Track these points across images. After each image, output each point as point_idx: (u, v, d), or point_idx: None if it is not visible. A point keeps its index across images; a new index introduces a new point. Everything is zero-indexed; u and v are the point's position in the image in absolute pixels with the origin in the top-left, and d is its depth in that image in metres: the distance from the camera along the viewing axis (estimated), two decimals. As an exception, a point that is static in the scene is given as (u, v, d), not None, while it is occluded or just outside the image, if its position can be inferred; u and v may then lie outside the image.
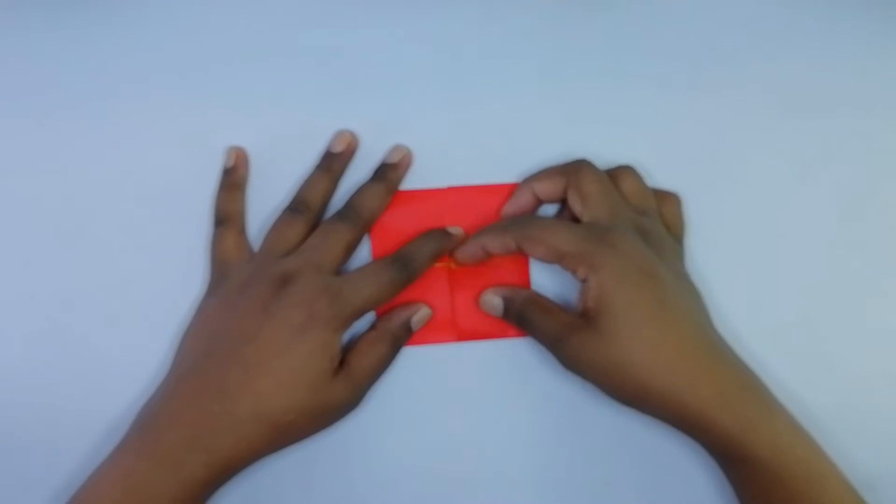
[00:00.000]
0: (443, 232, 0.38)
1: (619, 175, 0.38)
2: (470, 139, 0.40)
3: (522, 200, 0.38)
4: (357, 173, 0.40)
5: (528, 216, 0.38)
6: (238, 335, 0.34)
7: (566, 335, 0.34)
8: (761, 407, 0.33)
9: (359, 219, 0.37)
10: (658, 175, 0.40)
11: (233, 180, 0.39)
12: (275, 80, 0.40)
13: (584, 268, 0.33)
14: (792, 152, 0.41)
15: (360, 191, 0.38)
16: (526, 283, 0.39)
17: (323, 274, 0.35)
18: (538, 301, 0.37)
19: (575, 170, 0.37)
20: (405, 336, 0.38)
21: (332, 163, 0.39)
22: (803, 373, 0.39)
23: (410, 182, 0.40)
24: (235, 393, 0.33)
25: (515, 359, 0.39)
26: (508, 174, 0.40)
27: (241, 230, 0.39)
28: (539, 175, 0.38)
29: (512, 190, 0.40)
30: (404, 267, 0.36)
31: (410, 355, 0.39)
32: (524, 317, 0.37)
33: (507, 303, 0.38)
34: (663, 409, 0.33)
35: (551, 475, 0.39)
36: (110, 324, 0.39)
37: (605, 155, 0.40)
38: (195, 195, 0.40)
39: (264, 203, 0.40)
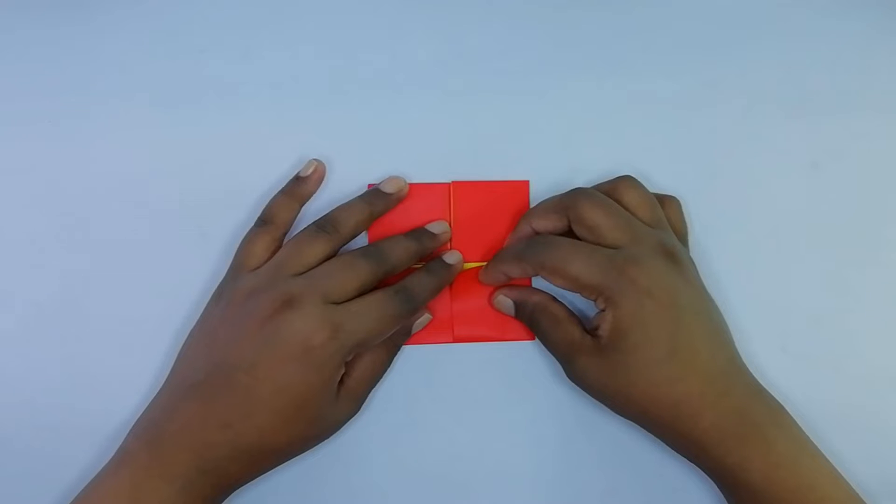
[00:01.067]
0: (444, 264, 0.37)
1: (619, 188, 0.36)
2: (470, 136, 0.40)
3: (523, 235, 0.38)
4: (360, 174, 0.39)
5: (548, 238, 0.36)
6: (236, 359, 0.33)
7: (574, 354, 0.35)
8: (761, 437, 0.33)
9: (385, 263, 0.35)
10: (661, 175, 0.40)
11: (298, 190, 0.38)
12: (274, 79, 0.40)
13: (603, 300, 0.34)
14: (797, 152, 0.40)
15: (392, 240, 0.37)
16: (527, 281, 0.39)
17: (327, 304, 0.33)
18: (549, 309, 0.37)
19: (572, 203, 0.35)
20: (404, 340, 0.38)
21: (374, 198, 0.38)
22: (810, 373, 0.39)
23: (411, 176, 0.40)
24: (238, 425, 0.32)
25: (516, 361, 0.39)
26: (508, 171, 0.40)
27: (277, 239, 0.37)
28: (536, 212, 0.37)
29: (511, 187, 0.40)
30: (407, 301, 0.35)
31: (411, 358, 0.39)
32: (534, 323, 0.37)
33: (519, 306, 0.38)
34: (662, 433, 0.35)
35: (551, 478, 0.39)
36: (111, 325, 0.39)
37: (606, 154, 0.40)
38: (197, 195, 0.39)
39: (244, 192, 0.39)
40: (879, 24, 0.41)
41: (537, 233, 0.37)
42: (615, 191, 0.36)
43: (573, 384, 0.36)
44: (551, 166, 0.40)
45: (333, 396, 0.34)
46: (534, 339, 0.39)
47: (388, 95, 0.40)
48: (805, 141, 0.40)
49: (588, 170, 0.40)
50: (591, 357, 0.34)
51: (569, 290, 0.35)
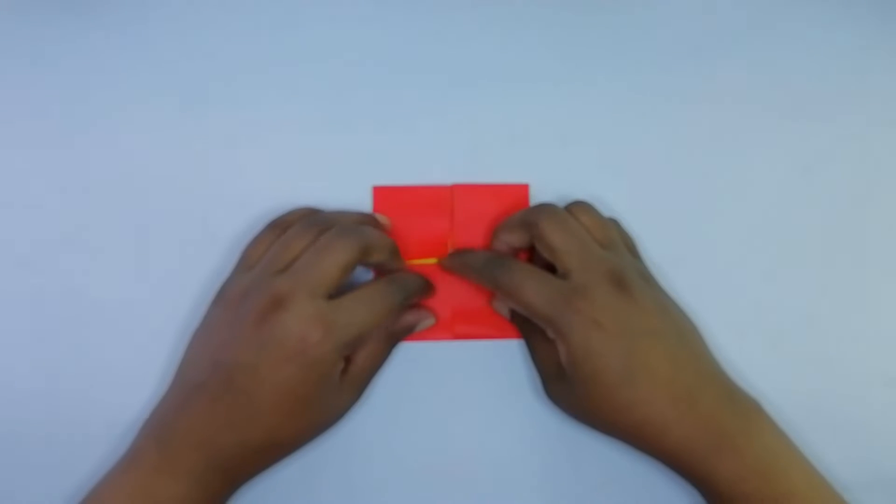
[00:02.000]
0: (427, 280, 0.39)
1: (575, 211, 0.37)
2: (471, 139, 0.40)
3: (499, 248, 0.38)
4: (362, 177, 0.40)
5: (505, 261, 0.36)
6: (234, 362, 0.33)
7: (548, 377, 0.36)
8: (730, 448, 0.33)
9: (361, 238, 0.34)
10: (657, 177, 0.40)
11: (358, 223, 0.37)
12: (274, 79, 0.40)
13: (553, 331, 0.34)
14: (791, 154, 0.41)
15: (366, 215, 0.38)
16: None
17: (315, 299, 0.33)
18: (536, 327, 0.36)
19: (535, 220, 0.35)
20: (406, 335, 0.39)
21: (366, 214, 0.39)
22: (803, 375, 0.39)
23: (410, 178, 0.40)
24: (245, 425, 0.33)
25: (515, 358, 0.39)
26: (509, 174, 0.40)
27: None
28: (504, 226, 0.37)
29: (511, 190, 0.40)
30: (399, 290, 0.36)
31: (410, 354, 0.39)
32: (524, 336, 0.39)
33: (513, 314, 0.39)
34: (635, 446, 0.35)
35: (549, 474, 0.39)
36: (117, 323, 0.39)
37: (604, 158, 0.40)
38: (198, 196, 0.39)
39: (248, 192, 0.39)
40: (871, 30, 0.42)
41: (509, 245, 0.37)
42: (572, 213, 0.37)
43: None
44: (551, 170, 0.40)
45: (335, 389, 0.34)
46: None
47: (390, 99, 0.40)
48: (796, 145, 0.41)
49: (587, 173, 0.40)
50: (558, 382, 0.35)
51: (522, 313, 0.35)
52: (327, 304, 0.33)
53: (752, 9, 0.42)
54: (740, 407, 0.34)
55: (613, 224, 0.39)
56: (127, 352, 0.38)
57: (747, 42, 0.41)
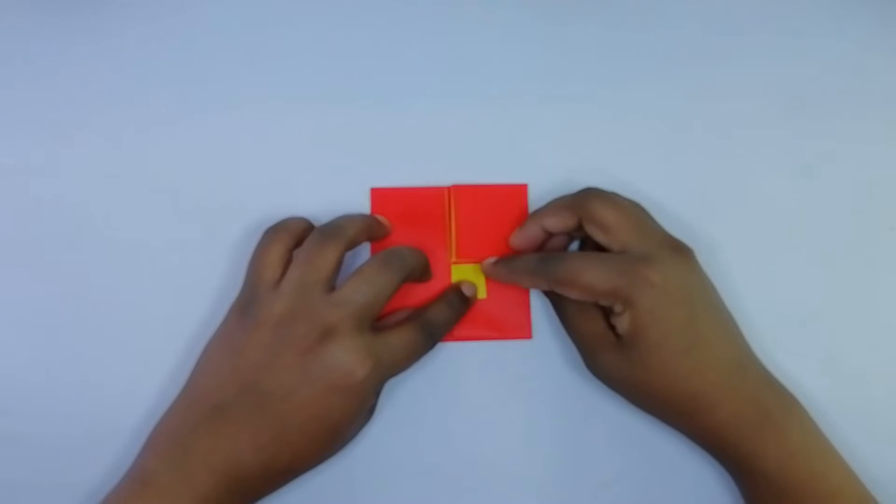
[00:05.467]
0: (462, 297, 0.39)
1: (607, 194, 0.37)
2: (469, 140, 0.40)
3: (531, 233, 0.38)
4: (361, 178, 0.40)
5: (556, 255, 0.36)
6: (272, 387, 0.33)
7: (597, 348, 0.36)
8: (776, 426, 0.34)
9: (405, 268, 0.35)
10: (657, 177, 0.40)
11: (363, 225, 0.37)
12: (274, 79, 0.40)
13: (620, 303, 0.34)
14: (791, 155, 0.41)
15: (369, 217, 0.39)
16: (525, 294, 0.40)
17: (363, 333, 0.33)
18: (577, 304, 0.36)
19: (584, 201, 0.36)
20: None
21: (371, 216, 0.39)
22: (806, 372, 0.39)
23: (410, 180, 0.40)
24: (271, 449, 0.33)
25: (516, 359, 0.39)
26: (507, 175, 0.40)
27: (290, 248, 0.36)
28: (547, 210, 0.38)
29: (510, 190, 0.40)
30: (432, 336, 0.36)
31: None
32: (560, 305, 0.38)
33: (549, 293, 0.39)
34: (680, 424, 0.36)
35: (549, 474, 0.39)
36: (120, 329, 0.39)
37: (603, 157, 0.40)
38: (196, 196, 0.40)
39: (250, 195, 0.39)
40: (873, 28, 0.41)
41: (547, 231, 0.37)
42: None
43: (571, 378, 0.37)
44: (549, 170, 0.40)
45: (365, 418, 0.36)
46: (532, 338, 0.39)
47: (388, 100, 0.41)
48: (799, 144, 0.41)
49: (585, 172, 0.40)
50: (611, 353, 0.35)
51: (586, 300, 0.35)
52: (374, 339, 0.34)
53: (753, 9, 0.42)
54: (781, 389, 0.35)
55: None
56: (127, 353, 0.39)
57: (748, 41, 0.41)
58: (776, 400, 0.35)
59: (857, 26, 0.41)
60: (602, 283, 0.34)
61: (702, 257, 0.39)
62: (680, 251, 0.35)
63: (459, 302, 0.38)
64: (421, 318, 0.36)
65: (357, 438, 0.38)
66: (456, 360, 0.39)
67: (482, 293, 0.40)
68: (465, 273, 0.40)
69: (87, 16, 0.41)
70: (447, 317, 0.38)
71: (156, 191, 0.40)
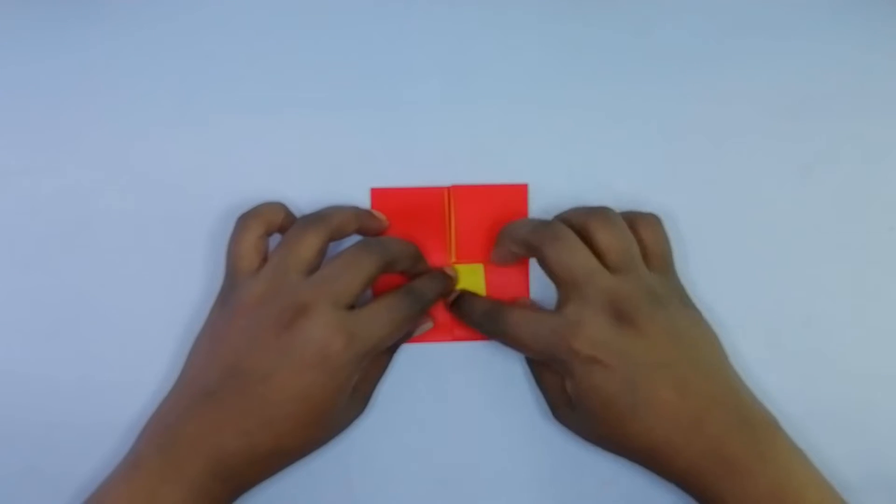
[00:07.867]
0: (444, 274, 0.39)
1: (591, 225, 0.35)
2: (469, 140, 0.40)
3: (502, 254, 0.38)
4: (360, 178, 0.40)
5: (501, 308, 0.36)
6: (251, 369, 0.33)
7: (556, 404, 0.37)
8: (740, 472, 0.32)
9: (386, 253, 0.35)
10: (656, 178, 0.40)
11: (354, 216, 0.37)
12: (274, 79, 0.40)
13: (559, 367, 0.35)
14: (792, 154, 0.41)
15: (362, 210, 0.38)
16: (525, 292, 0.40)
17: (338, 309, 0.33)
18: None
19: (539, 244, 0.34)
20: (405, 341, 0.39)
21: (360, 209, 0.38)
22: (803, 374, 0.39)
23: (410, 180, 0.40)
24: (255, 432, 0.33)
25: (515, 360, 0.39)
26: (507, 175, 0.40)
27: (263, 237, 0.36)
28: (509, 236, 0.37)
29: (509, 190, 0.40)
30: (416, 301, 0.36)
31: (411, 356, 0.39)
32: (529, 364, 0.39)
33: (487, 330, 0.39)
34: (647, 468, 0.35)
35: (550, 475, 0.39)
36: (116, 326, 0.39)
37: (603, 158, 0.40)
38: (196, 197, 0.40)
39: (247, 195, 0.39)
40: (872, 29, 0.41)
41: (514, 254, 0.37)
42: (587, 226, 0.35)
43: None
44: (549, 170, 0.40)
45: (348, 399, 0.35)
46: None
47: (389, 100, 0.41)
48: (797, 145, 0.41)
49: (585, 173, 0.40)
50: (568, 409, 0.36)
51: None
52: (349, 314, 0.33)
53: (752, 9, 0.42)
54: (753, 428, 0.33)
55: (649, 223, 0.37)
56: (127, 352, 0.39)
57: (747, 42, 0.41)
58: (745, 442, 0.32)
59: (857, 28, 0.41)
60: (538, 349, 0.34)
61: (701, 257, 0.39)
62: (621, 314, 0.33)
63: (442, 275, 0.39)
64: (403, 286, 0.36)
65: (355, 438, 0.38)
66: (455, 360, 0.39)
67: (482, 293, 0.40)
68: (465, 273, 0.40)
69: (88, 17, 0.41)
70: (431, 283, 0.37)
71: (156, 191, 0.40)
